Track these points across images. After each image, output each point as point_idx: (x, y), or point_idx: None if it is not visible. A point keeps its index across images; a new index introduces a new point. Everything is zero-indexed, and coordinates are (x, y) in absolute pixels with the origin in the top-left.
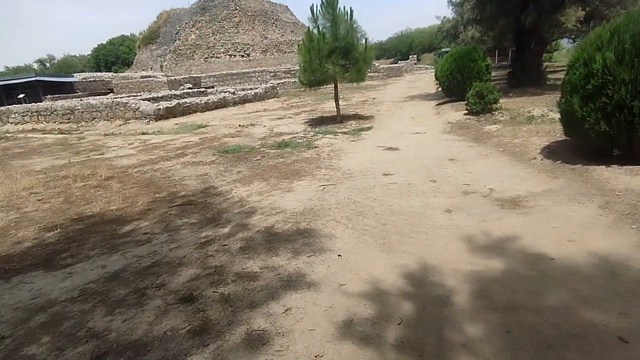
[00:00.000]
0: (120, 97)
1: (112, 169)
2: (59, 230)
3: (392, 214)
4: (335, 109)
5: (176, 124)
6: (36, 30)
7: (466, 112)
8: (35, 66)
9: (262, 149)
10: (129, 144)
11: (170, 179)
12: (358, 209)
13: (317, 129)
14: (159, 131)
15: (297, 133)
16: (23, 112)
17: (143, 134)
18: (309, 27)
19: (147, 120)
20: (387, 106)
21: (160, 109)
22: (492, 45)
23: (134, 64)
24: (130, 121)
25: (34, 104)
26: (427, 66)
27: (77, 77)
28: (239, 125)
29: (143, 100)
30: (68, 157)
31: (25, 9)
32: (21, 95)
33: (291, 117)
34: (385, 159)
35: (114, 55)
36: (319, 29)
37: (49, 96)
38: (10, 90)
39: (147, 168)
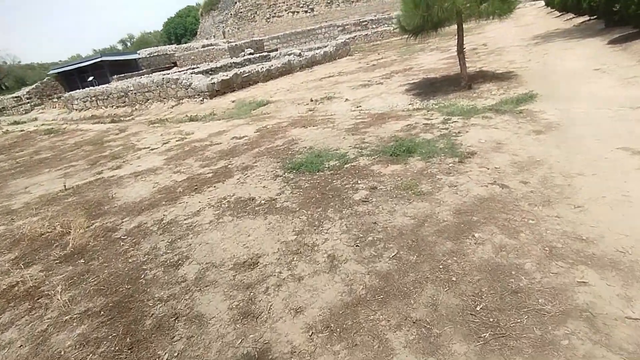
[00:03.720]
0: (172, 74)
1: (101, 215)
2: None
3: None
4: (459, 66)
5: (233, 101)
6: (117, 13)
7: None
8: (119, 46)
9: (362, 160)
10: (163, 144)
11: (173, 282)
12: None
13: (437, 104)
14: (210, 115)
15: (409, 115)
16: (83, 98)
17: (191, 120)
18: None
19: (201, 98)
20: (520, 53)
21: (214, 83)
22: None
23: (198, 33)
24: (183, 101)
25: (92, 88)
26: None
27: (143, 53)
28: (311, 101)
29: (197, 73)
30: (75, 175)
31: None
32: (90, 78)
33: (381, 83)
34: None
35: (182, 27)
36: None
37: (115, 76)
38: (83, 73)
39: (155, 219)
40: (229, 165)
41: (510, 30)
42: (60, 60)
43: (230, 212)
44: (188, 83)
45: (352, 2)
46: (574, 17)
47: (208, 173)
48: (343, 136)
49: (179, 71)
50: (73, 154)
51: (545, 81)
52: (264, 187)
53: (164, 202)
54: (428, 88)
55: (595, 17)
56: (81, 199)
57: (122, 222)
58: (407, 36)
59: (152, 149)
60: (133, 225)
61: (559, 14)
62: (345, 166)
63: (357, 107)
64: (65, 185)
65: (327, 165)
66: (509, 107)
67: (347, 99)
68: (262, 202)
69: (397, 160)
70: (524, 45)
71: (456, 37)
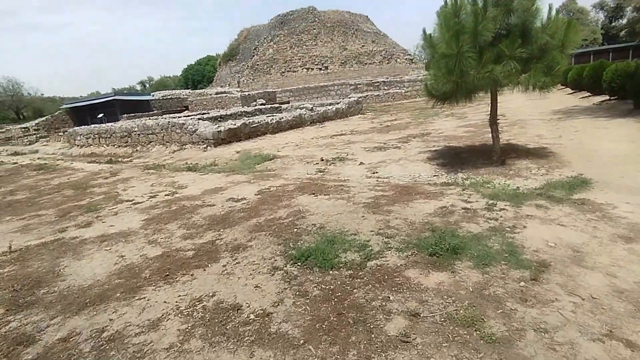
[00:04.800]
0: (178, 118)
1: (29, 307)
2: None
3: None
4: (492, 137)
5: (237, 152)
6: (139, 55)
7: None
8: (138, 87)
9: (390, 257)
10: (150, 197)
11: None
12: None
13: (467, 179)
14: (211, 165)
15: (440, 192)
16: (87, 134)
17: (189, 169)
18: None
19: (205, 145)
20: (545, 128)
21: (220, 131)
22: None
23: (214, 81)
24: (186, 146)
25: (96, 125)
26: None
27: (156, 95)
28: (322, 160)
29: (206, 119)
30: (34, 230)
31: (126, 38)
32: (100, 115)
33: (398, 147)
34: None
35: (200, 75)
36: None
37: (124, 115)
38: (94, 110)
39: (94, 327)
40: (217, 241)
41: (525, 102)
42: (80, 96)
43: (203, 329)
44: (194, 129)
45: (365, 64)
46: (590, 96)
47: (189, 249)
48: (361, 214)
49: (188, 115)
50: (49, 199)
51: (592, 164)
52: (256, 286)
53: (118, 294)
54: (453, 158)
55: (615, 97)
56: (20, 270)
57: (48, 326)
58: (433, 101)
59: (135, 203)
60: (59, 335)
61: (572, 91)
62: (369, 264)
63: (374, 173)
64: (10, 246)
65: (343, 260)
66: (562, 193)
67: (361, 163)
68: (251, 316)
69: (440, 263)
70: (547, 119)
71: (471, 105)
